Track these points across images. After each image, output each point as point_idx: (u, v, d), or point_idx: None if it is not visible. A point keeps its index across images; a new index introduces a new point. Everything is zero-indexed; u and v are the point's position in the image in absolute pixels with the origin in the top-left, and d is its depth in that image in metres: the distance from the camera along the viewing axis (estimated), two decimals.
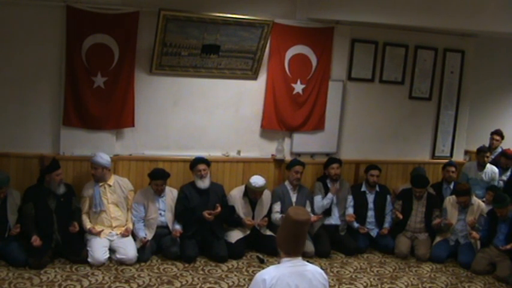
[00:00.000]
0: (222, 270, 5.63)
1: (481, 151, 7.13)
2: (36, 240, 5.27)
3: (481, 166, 7.12)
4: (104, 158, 5.80)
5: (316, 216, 6.24)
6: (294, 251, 2.91)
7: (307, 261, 3.02)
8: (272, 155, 6.80)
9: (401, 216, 6.47)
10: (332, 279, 5.56)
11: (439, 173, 7.27)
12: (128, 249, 5.60)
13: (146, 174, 6.01)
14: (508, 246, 5.85)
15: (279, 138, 6.82)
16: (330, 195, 6.46)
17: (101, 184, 5.79)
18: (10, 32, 5.71)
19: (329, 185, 6.55)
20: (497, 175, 7.12)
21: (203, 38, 6.08)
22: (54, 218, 5.52)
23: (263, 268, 3.55)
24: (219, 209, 5.90)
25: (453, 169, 6.94)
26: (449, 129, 7.60)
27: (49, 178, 5.52)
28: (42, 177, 5.59)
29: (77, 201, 5.78)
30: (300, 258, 2.93)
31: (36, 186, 5.61)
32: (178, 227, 5.89)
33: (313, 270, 2.93)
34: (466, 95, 7.60)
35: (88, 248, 5.50)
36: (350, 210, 6.59)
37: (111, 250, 5.63)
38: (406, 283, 5.67)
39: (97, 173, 5.77)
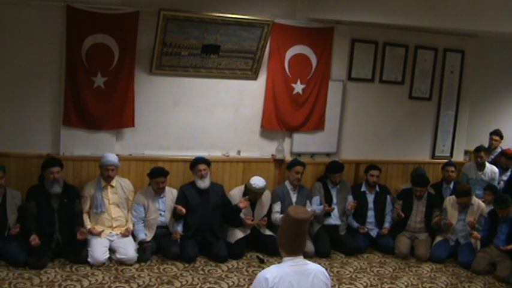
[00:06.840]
0: (222, 270, 5.63)
1: (476, 151, 7.14)
2: (34, 240, 5.25)
3: (480, 166, 7.12)
4: (115, 157, 5.84)
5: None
6: (295, 250, 2.92)
7: None
8: (272, 155, 6.80)
9: (403, 215, 6.47)
10: (332, 279, 5.55)
11: (439, 173, 7.27)
12: (128, 249, 5.60)
13: (146, 175, 5.99)
14: (509, 247, 5.85)
15: (279, 138, 6.81)
16: (323, 208, 6.30)
17: (103, 185, 5.79)
18: (10, 32, 5.71)
19: (329, 186, 6.56)
20: (497, 175, 7.12)
21: (203, 38, 6.08)
22: (56, 218, 5.51)
23: (263, 268, 3.55)
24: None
25: (452, 169, 6.94)
26: (449, 129, 7.60)
27: (45, 176, 5.51)
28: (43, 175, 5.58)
29: (79, 203, 5.75)
30: (302, 257, 2.94)
31: (39, 185, 5.60)
32: (178, 229, 5.89)
33: (315, 269, 2.94)
34: (466, 95, 7.61)
35: (88, 248, 5.50)
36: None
37: (111, 250, 5.63)
38: (406, 283, 5.67)
39: (113, 174, 5.78)
